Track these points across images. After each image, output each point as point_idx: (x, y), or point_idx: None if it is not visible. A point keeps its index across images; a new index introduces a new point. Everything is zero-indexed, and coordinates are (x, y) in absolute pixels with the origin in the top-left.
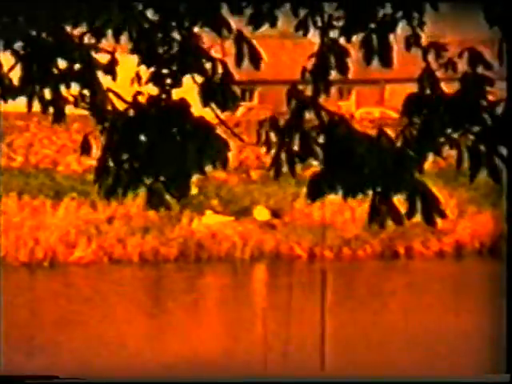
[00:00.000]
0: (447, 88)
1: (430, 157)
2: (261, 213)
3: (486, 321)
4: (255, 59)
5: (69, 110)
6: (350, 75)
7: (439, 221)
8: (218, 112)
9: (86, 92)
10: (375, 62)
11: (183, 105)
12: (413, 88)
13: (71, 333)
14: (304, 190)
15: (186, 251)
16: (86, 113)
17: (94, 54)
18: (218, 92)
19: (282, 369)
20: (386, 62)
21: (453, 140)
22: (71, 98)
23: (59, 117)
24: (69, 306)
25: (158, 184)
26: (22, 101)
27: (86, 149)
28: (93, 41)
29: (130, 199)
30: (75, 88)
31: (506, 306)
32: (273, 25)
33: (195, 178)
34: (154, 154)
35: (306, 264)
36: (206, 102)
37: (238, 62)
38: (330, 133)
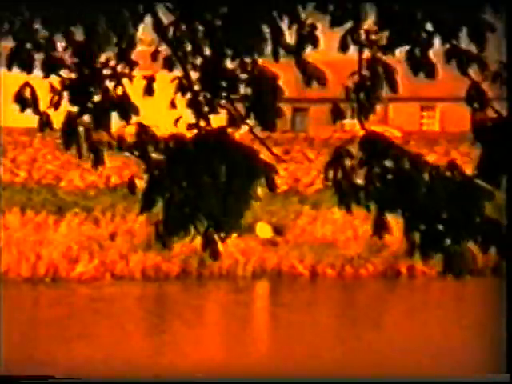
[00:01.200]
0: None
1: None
2: (263, 230)
3: (486, 321)
4: (320, 78)
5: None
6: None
7: None
8: (258, 133)
9: (126, 130)
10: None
11: (223, 132)
12: (416, 106)
13: (72, 348)
14: (306, 207)
15: (187, 268)
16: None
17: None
18: (266, 110)
19: None
20: (431, 74)
21: None
22: (114, 142)
23: (99, 162)
24: (70, 321)
25: (210, 229)
26: (25, 116)
27: (131, 188)
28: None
29: (133, 215)
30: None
31: (506, 306)
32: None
33: None
34: (203, 194)
35: (308, 282)
36: (257, 123)
37: (307, 81)
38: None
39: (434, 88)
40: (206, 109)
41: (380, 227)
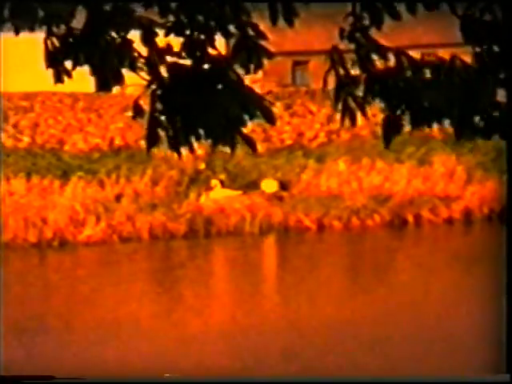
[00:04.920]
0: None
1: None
2: (269, 185)
3: (486, 320)
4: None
5: (73, 87)
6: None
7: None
8: (257, 88)
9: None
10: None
11: (223, 64)
12: (416, 55)
13: (82, 311)
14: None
15: (194, 227)
16: (90, 91)
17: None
18: (252, 50)
19: (293, 341)
20: (430, 6)
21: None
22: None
23: (106, 85)
24: (79, 284)
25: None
26: (25, 81)
27: (138, 112)
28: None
29: (138, 176)
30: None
31: (506, 306)
32: None
33: (202, 152)
34: (200, 111)
35: (315, 235)
36: (241, 61)
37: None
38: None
39: (435, 35)
40: (197, 53)
41: (392, 126)
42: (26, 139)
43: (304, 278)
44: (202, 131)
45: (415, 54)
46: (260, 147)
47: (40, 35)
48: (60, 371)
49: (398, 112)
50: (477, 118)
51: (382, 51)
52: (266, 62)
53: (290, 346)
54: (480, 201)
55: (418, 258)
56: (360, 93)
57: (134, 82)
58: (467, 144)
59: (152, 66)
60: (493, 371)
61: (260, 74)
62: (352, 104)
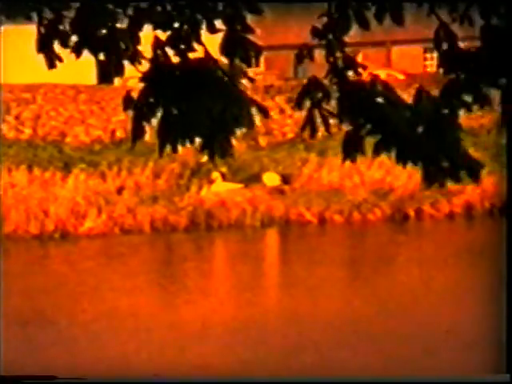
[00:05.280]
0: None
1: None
2: (270, 178)
3: (486, 318)
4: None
5: (76, 80)
6: (356, 38)
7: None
8: (260, 81)
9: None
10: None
11: (208, 62)
12: (419, 49)
13: (83, 302)
14: (313, 155)
15: (196, 219)
16: (92, 83)
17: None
18: (239, 44)
19: (293, 333)
20: (398, 20)
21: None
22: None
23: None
24: (80, 276)
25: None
26: (27, 73)
27: (128, 104)
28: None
29: (139, 169)
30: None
31: (506, 306)
32: None
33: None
34: (182, 109)
35: (316, 229)
36: (228, 55)
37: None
38: (366, 95)
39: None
40: (182, 46)
41: (352, 144)
42: (28, 131)
43: (305, 272)
44: (185, 132)
45: (417, 48)
46: (262, 141)
47: None
48: (58, 361)
49: (362, 132)
50: (443, 160)
51: (355, 66)
52: (268, 54)
53: (291, 338)
54: (481, 195)
55: (419, 252)
56: (326, 105)
57: (137, 74)
58: (469, 138)
59: (139, 59)
60: (493, 371)
61: (262, 67)
62: (317, 115)
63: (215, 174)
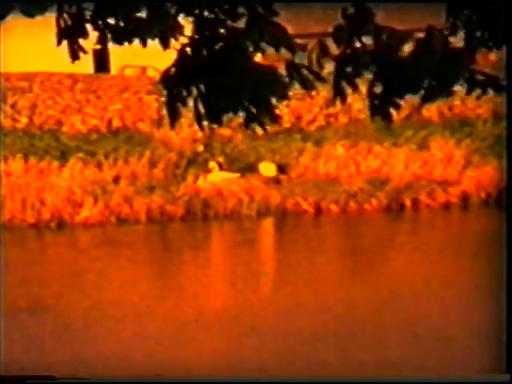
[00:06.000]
0: None
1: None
2: (267, 168)
3: (486, 318)
4: None
5: (73, 68)
6: None
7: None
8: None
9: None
10: None
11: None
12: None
13: (80, 292)
14: (309, 144)
15: (192, 209)
16: (89, 72)
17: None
18: (264, 27)
19: (289, 323)
20: None
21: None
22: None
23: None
24: (77, 265)
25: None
26: (23, 61)
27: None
28: None
29: (136, 158)
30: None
31: (506, 306)
32: None
33: (200, 134)
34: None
35: (312, 219)
36: (256, 47)
37: None
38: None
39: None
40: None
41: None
42: (24, 120)
43: (301, 261)
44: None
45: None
46: (258, 130)
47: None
48: (56, 353)
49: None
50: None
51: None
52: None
53: (287, 328)
54: (477, 185)
55: (415, 242)
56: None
57: (134, 63)
58: (466, 129)
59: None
60: (493, 371)
61: (259, 55)
62: (343, 82)
63: (212, 164)
